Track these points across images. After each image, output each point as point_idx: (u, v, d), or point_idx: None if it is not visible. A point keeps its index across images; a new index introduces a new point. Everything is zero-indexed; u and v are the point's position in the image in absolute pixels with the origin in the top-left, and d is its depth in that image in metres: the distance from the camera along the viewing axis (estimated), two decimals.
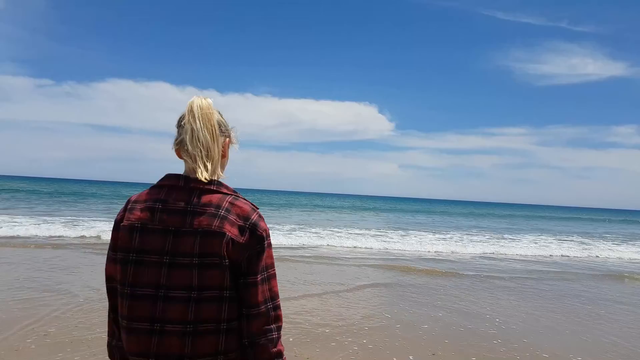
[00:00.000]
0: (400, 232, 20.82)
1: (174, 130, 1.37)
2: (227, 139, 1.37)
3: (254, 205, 1.27)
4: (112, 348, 1.36)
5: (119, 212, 1.28)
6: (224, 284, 1.17)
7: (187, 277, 1.15)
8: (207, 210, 1.18)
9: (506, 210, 74.40)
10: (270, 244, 1.26)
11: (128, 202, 1.28)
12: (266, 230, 1.25)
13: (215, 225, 1.16)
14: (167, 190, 1.23)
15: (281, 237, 15.01)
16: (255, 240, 1.21)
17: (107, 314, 1.39)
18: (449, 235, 20.26)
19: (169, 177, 1.26)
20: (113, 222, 1.29)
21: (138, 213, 1.21)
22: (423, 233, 20.82)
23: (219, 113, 1.33)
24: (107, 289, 1.31)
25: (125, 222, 1.23)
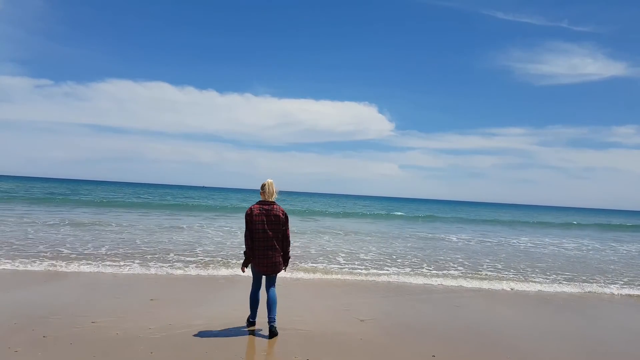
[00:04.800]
0: None
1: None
2: (275, 194, 5.17)
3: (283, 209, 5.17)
4: (249, 253, 5.04)
5: (247, 211, 5.01)
6: (281, 229, 5.08)
7: (271, 226, 5.00)
8: (274, 209, 5.05)
9: (526, 213, 70.80)
10: (288, 218, 5.20)
11: (251, 208, 5.03)
12: (287, 214, 5.20)
13: (277, 214, 5.04)
14: (263, 204, 5.05)
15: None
16: (286, 218, 5.15)
17: None
18: None
19: (263, 200, 5.08)
20: (245, 215, 5.02)
21: (257, 210, 5.00)
22: None
23: (274, 184, 5.16)
24: (248, 231, 4.98)
25: (254, 213, 4.97)
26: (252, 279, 5.34)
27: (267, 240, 4.98)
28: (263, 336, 5.29)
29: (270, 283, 5.21)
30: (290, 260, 5.40)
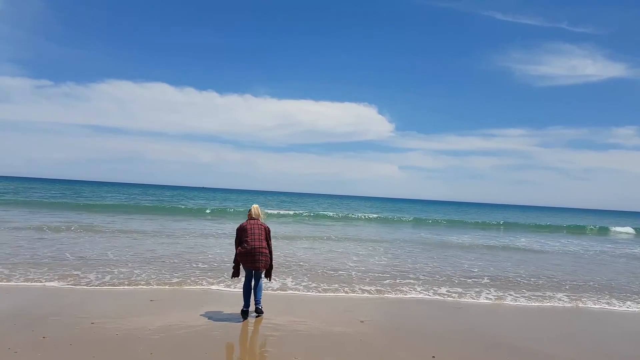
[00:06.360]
0: None
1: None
2: (262, 215, 6.40)
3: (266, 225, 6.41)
4: (237, 259, 6.08)
5: (240, 225, 6.21)
6: (264, 238, 6.13)
7: (258, 232, 6.05)
8: (259, 225, 6.16)
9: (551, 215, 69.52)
10: (270, 231, 6.34)
11: (242, 224, 6.19)
12: (270, 229, 6.37)
13: (262, 226, 6.19)
14: (250, 219, 6.22)
15: None
16: (269, 230, 6.29)
17: None
18: None
19: (251, 217, 6.25)
20: (236, 229, 6.20)
21: (246, 223, 6.16)
22: None
23: (261, 207, 6.48)
24: (237, 239, 6.10)
25: (244, 225, 6.14)
26: (244, 276, 6.31)
27: (254, 242, 5.98)
28: (262, 336, 5.30)
29: (257, 278, 6.18)
30: (273, 269, 6.46)
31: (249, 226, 6.07)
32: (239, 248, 6.01)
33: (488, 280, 9.95)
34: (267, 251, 6.09)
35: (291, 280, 8.85)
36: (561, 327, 6.57)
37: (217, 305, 6.63)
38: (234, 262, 6.19)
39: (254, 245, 5.94)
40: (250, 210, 6.33)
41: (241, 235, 6.06)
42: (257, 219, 6.24)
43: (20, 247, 11.10)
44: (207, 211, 30.11)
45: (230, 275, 6.25)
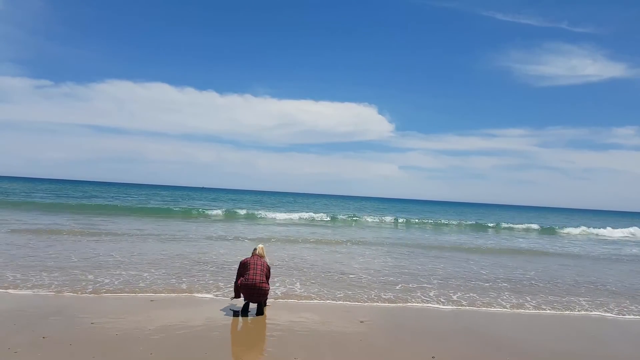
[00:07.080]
0: None
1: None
2: (264, 255, 6.67)
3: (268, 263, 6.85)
4: (237, 287, 6.31)
5: (243, 260, 6.49)
6: (266, 273, 6.42)
7: (260, 269, 6.30)
8: (261, 261, 6.46)
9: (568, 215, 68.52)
10: (270, 269, 6.79)
11: (246, 259, 6.48)
12: (270, 267, 6.81)
13: (264, 263, 6.49)
14: (253, 256, 6.51)
15: None
16: (269, 269, 6.69)
17: None
18: None
19: (254, 254, 6.56)
20: (239, 262, 6.53)
21: (250, 259, 6.44)
22: None
23: (264, 248, 6.85)
24: (239, 272, 6.38)
25: (248, 260, 6.42)
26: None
27: (255, 276, 6.19)
28: (262, 336, 5.30)
29: (258, 306, 6.37)
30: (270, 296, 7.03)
31: (251, 261, 6.34)
32: (240, 279, 6.21)
33: (505, 284, 9.69)
34: (266, 286, 6.27)
35: (299, 285, 8.72)
36: (572, 330, 6.56)
37: (217, 305, 6.64)
38: (235, 285, 6.37)
39: (255, 279, 6.14)
40: (254, 249, 6.65)
41: (243, 269, 6.30)
42: (261, 258, 6.50)
43: (23, 248, 11.09)
44: (211, 212, 30.04)
45: (232, 296, 6.50)
